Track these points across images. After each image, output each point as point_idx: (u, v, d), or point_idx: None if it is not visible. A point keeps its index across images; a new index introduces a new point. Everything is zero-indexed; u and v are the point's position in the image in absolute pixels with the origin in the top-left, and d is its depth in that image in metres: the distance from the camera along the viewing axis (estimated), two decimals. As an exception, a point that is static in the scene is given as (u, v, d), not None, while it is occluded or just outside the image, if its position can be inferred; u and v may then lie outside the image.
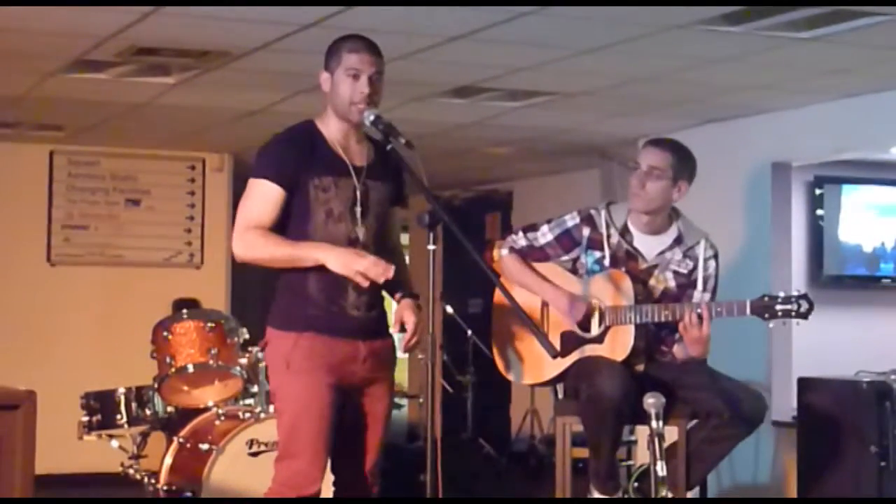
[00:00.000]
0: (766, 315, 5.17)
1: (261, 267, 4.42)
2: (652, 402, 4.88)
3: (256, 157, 4.47)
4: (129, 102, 8.08)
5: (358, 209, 4.41)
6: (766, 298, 5.18)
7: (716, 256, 5.51)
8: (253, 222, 4.35)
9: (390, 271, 4.31)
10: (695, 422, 5.45)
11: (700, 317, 5.17)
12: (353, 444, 4.49)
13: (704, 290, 5.43)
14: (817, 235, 8.27)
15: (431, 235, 4.19)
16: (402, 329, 4.46)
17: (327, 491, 4.54)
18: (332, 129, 4.46)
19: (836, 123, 7.59)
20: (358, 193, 4.42)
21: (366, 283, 4.30)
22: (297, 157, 4.38)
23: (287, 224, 4.39)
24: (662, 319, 5.28)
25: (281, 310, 4.47)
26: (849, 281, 8.39)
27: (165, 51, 6.62)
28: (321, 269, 4.36)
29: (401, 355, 4.58)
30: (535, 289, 5.51)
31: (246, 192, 4.41)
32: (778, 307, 5.16)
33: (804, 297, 5.18)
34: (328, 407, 4.37)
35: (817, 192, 8.28)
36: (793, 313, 5.15)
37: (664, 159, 5.42)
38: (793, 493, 7.10)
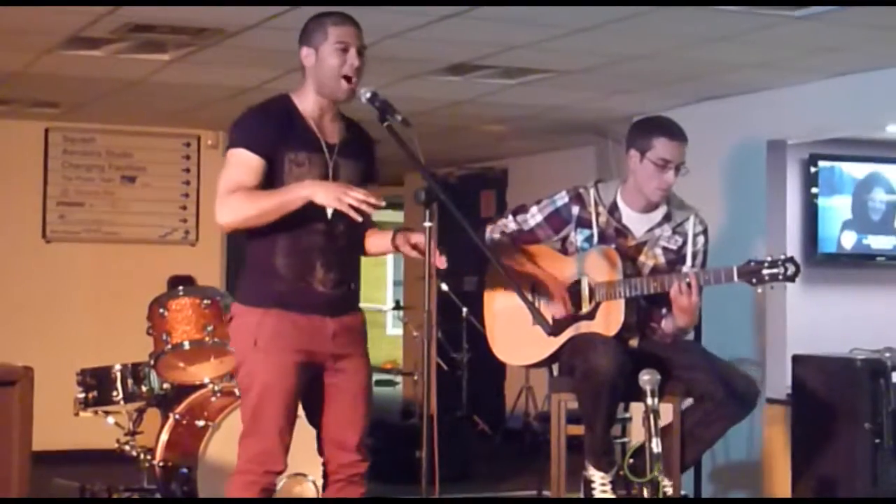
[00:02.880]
0: (754, 280, 5.16)
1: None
2: (647, 378, 4.90)
3: (232, 127, 4.44)
4: (125, 79, 8.07)
5: None
6: (752, 263, 5.17)
7: (705, 232, 5.52)
8: (233, 188, 4.31)
9: (381, 201, 4.27)
10: (689, 401, 5.46)
11: (689, 285, 5.18)
12: (335, 422, 4.49)
13: (693, 265, 5.45)
14: (812, 213, 8.28)
15: (427, 212, 4.19)
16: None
17: (316, 472, 4.54)
18: (308, 105, 4.44)
19: (832, 101, 7.59)
20: (329, 171, 4.41)
21: (357, 216, 4.23)
22: (273, 129, 4.37)
23: None
24: (652, 291, 5.28)
25: (248, 285, 4.46)
26: (843, 259, 8.40)
27: (161, 28, 6.62)
28: (289, 245, 4.36)
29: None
30: (528, 274, 5.51)
31: (225, 164, 4.38)
32: (765, 271, 5.14)
33: (790, 259, 5.16)
34: (293, 386, 4.37)
35: (812, 169, 8.28)
36: (780, 276, 5.14)
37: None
38: (786, 471, 7.11)
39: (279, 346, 4.35)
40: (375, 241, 4.62)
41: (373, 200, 4.25)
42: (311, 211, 4.33)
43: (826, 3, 5.78)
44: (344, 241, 4.46)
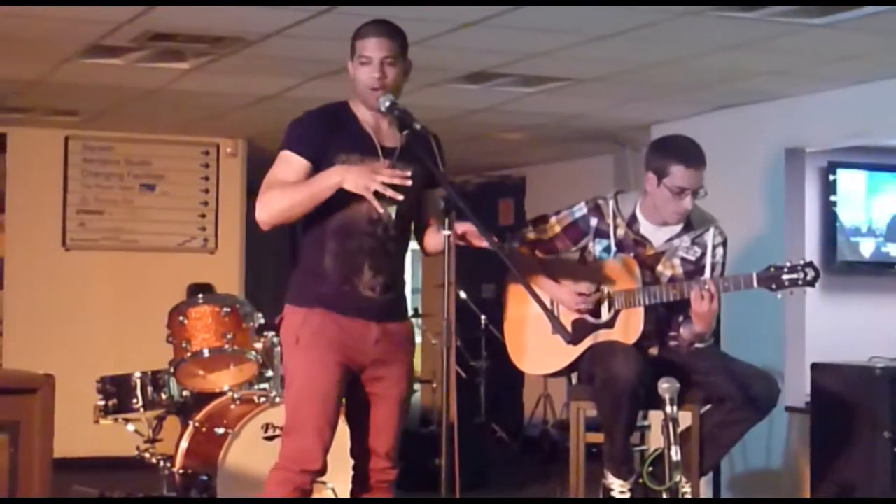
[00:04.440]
0: (774, 286, 5.14)
1: (282, 233, 4.38)
2: (666, 386, 4.90)
3: (287, 130, 4.46)
4: (144, 88, 8.10)
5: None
6: (772, 269, 5.16)
7: (724, 243, 5.50)
8: (275, 184, 4.33)
9: (407, 179, 4.23)
10: (708, 406, 5.46)
11: (708, 291, 5.16)
12: (370, 428, 4.50)
13: (712, 276, 5.43)
14: (831, 221, 8.27)
15: (447, 221, 4.20)
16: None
17: (346, 475, 4.55)
18: (363, 111, 4.45)
19: (850, 109, 7.58)
20: None
21: (390, 193, 4.19)
22: (325, 131, 4.38)
23: None
24: (671, 299, 5.27)
25: (296, 286, 4.48)
26: (862, 267, 8.38)
27: (180, 36, 6.63)
28: (338, 246, 4.37)
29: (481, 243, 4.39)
30: (543, 289, 5.51)
31: (275, 163, 4.40)
32: (784, 277, 5.13)
33: (810, 264, 5.15)
34: (334, 385, 4.38)
35: (831, 177, 8.27)
36: (799, 282, 5.13)
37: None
38: (806, 479, 7.10)
39: (320, 344, 4.36)
40: (431, 239, 4.58)
41: (399, 176, 4.21)
42: (363, 214, 4.34)
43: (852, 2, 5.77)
44: (395, 246, 4.47)
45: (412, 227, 4.59)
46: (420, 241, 4.65)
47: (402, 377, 4.54)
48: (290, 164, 4.35)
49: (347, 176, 4.24)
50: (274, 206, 4.32)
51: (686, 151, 5.38)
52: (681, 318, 5.39)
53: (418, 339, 13.63)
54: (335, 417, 4.41)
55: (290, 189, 4.31)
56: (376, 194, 4.20)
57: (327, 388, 4.37)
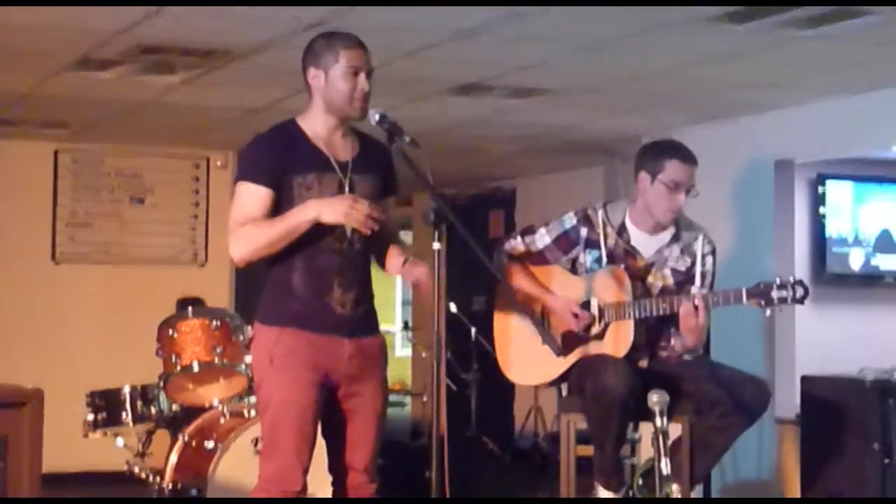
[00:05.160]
0: (763, 302, 5.17)
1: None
2: (656, 399, 4.89)
3: (239, 159, 4.49)
4: (134, 101, 8.09)
5: None
6: (761, 285, 5.18)
7: (713, 252, 5.53)
8: (242, 221, 4.33)
9: (383, 215, 4.32)
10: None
11: (696, 306, 5.19)
12: (347, 443, 4.48)
13: (702, 285, 5.45)
14: (820, 233, 8.28)
15: (436, 233, 4.19)
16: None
17: (326, 490, 4.54)
18: (315, 125, 4.43)
19: (839, 121, 7.60)
20: (346, 188, 4.40)
21: (366, 229, 4.28)
22: (278, 155, 4.36)
23: None
24: (661, 312, 5.29)
25: (266, 305, 4.46)
26: (851, 278, 8.39)
27: (170, 50, 6.63)
28: (307, 264, 4.36)
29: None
30: (537, 296, 5.52)
31: (234, 197, 4.39)
32: (773, 293, 5.15)
33: (799, 282, 5.17)
34: (310, 404, 4.36)
35: (820, 189, 8.28)
36: (789, 299, 5.15)
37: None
38: (796, 490, 7.10)
39: (294, 363, 4.35)
40: (393, 261, 4.60)
41: (375, 214, 4.28)
42: (328, 230, 4.34)
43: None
44: (361, 259, 4.46)
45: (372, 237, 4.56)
46: (378, 257, 4.63)
47: (377, 392, 4.52)
48: (253, 196, 4.34)
49: (323, 211, 4.27)
50: (250, 244, 4.33)
51: (680, 148, 5.49)
52: (672, 329, 5.40)
53: (408, 352, 13.64)
54: (313, 437, 4.41)
55: (265, 227, 4.31)
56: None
57: (304, 408, 4.35)
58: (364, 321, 4.49)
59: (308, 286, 4.38)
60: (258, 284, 4.54)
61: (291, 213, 4.31)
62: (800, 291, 5.15)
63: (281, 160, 4.35)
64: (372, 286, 4.55)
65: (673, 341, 5.44)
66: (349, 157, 4.44)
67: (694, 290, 5.42)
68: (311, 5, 5.64)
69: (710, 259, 5.50)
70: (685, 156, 5.44)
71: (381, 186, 4.52)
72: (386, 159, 4.52)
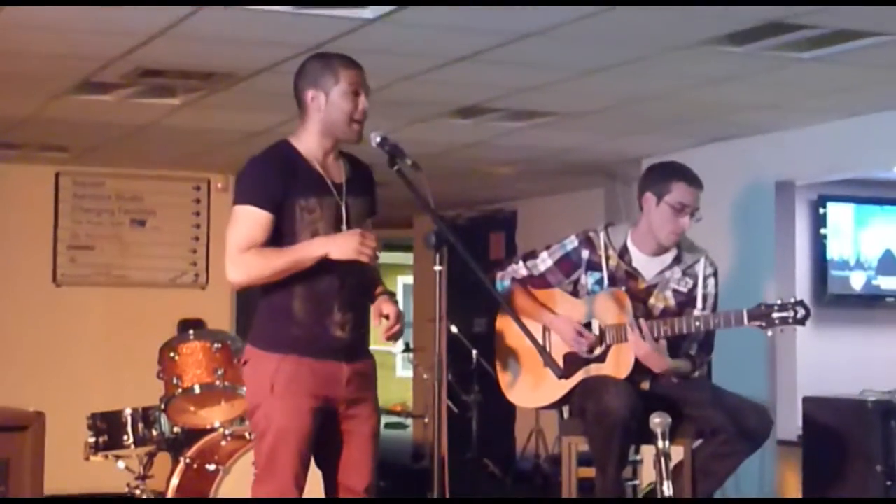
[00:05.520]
0: (764, 324, 5.18)
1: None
2: (658, 421, 4.88)
3: (237, 182, 4.43)
4: (135, 123, 8.11)
5: (344, 227, 4.35)
6: (762, 307, 5.19)
7: (715, 274, 5.53)
8: (244, 246, 4.29)
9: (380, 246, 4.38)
10: (700, 441, 5.45)
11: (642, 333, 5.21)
12: (345, 466, 4.46)
13: (704, 307, 5.44)
14: (821, 254, 8.28)
15: (437, 256, 4.19)
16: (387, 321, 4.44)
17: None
18: (310, 147, 4.40)
19: (839, 142, 7.61)
20: (343, 212, 4.39)
21: (373, 262, 4.34)
22: (278, 179, 4.32)
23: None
24: (662, 335, 5.29)
25: (264, 329, 4.43)
26: (852, 299, 8.39)
27: (171, 73, 6.65)
28: (307, 288, 4.33)
29: (385, 348, 4.53)
30: (539, 317, 5.51)
31: (232, 220, 4.34)
32: (775, 315, 5.16)
33: (800, 303, 5.18)
34: (309, 432, 4.34)
35: (821, 210, 8.29)
36: (790, 320, 5.15)
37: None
38: (798, 512, 7.10)
39: (295, 391, 4.32)
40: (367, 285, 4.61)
41: (378, 246, 4.34)
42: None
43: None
44: (357, 281, 4.45)
45: None
46: None
47: (371, 413, 4.50)
48: (254, 220, 4.30)
49: (331, 248, 4.27)
50: (252, 271, 4.30)
51: (687, 171, 5.49)
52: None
53: (409, 374, 13.64)
54: (309, 462, 4.40)
55: (271, 257, 4.28)
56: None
57: (303, 436, 4.33)
58: (359, 344, 4.48)
59: (309, 311, 4.36)
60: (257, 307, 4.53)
61: (298, 248, 4.29)
62: (801, 312, 5.16)
63: (283, 183, 4.32)
64: (369, 309, 4.55)
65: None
66: (343, 180, 4.43)
67: (696, 312, 5.42)
68: (313, 29, 5.65)
69: (711, 281, 5.50)
70: (692, 179, 5.44)
71: (368, 208, 4.51)
72: (371, 180, 4.54)
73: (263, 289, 4.41)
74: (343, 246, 4.27)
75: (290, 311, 4.36)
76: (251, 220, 4.31)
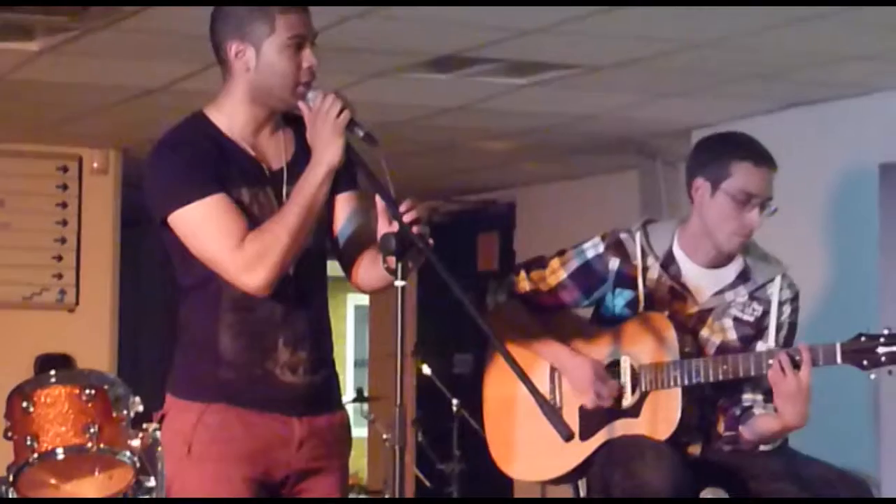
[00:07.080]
0: (865, 362, 5.18)
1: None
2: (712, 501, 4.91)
3: (154, 181, 4.40)
4: (-27, 77, 8.12)
5: None
6: (863, 339, 5.19)
7: (795, 298, 5.55)
8: (236, 239, 4.26)
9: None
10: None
11: (794, 362, 5.15)
12: None
13: (776, 342, 5.44)
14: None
15: (399, 266, 4.17)
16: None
17: None
18: (238, 121, 4.43)
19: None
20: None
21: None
22: (210, 163, 4.34)
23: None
24: (720, 377, 5.30)
25: (183, 372, 4.46)
26: None
27: (26, 5, 6.62)
28: (237, 319, 4.35)
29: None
30: (545, 353, 5.53)
31: (190, 230, 4.32)
32: (881, 350, 5.16)
33: None
34: None
35: (942, 203, 8.33)
36: None
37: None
38: None
39: (221, 453, 4.34)
40: (367, 273, 4.56)
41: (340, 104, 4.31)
42: None
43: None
44: (315, 304, 4.47)
45: (325, 261, 4.56)
46: (349, 271, 4.63)
47: (334, 488, 4.51)
48: (221, 209, 4.29)
49: (327, 153, 4.28)
50: (271, 255, 4.25)
51: (752, 146, 5.48)
52: (738, 412, 5.39)
53: (363, 433, 13.65)
54: None
55: (272, 226, 4.27)
56: None
57: None
58: (321, 391, 4.49)
59: (241, 349, 4.37)
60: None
61: (298, 187, 4.29)
62: (918, 347, 5.17)
63: (215, 169, 4.33)
64: (332, 342, 4.54)
65: (742, 428, 5.41)
66: (283, 163, 4.45)
67: (761, 346, 5.41)
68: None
69: (788, 308, 5.51)
70: (760, 156, 5.42)
71: (332, 186, 4.43)
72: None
73: (180, 314, 4.43)
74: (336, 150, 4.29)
75: (216, 348, 4.38)
76: (217, 211, 4.30)
